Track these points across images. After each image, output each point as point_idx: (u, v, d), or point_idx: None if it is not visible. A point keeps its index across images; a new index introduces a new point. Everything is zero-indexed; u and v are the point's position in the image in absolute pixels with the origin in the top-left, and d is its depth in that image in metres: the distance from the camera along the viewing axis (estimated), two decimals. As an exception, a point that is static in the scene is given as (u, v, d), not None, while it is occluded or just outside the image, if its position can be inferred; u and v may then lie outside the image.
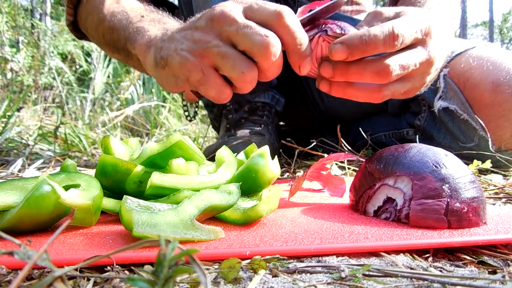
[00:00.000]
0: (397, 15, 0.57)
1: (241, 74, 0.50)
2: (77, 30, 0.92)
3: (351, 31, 0.53)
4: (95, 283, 0.29)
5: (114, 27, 0.74)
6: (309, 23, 0.56)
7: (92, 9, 0.80)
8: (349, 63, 0.52)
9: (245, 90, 0.54)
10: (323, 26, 0.54)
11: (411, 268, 0.32)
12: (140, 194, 0.46)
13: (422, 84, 0.59)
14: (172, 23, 0.68)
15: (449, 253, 0.37)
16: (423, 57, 0.56)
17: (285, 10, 0.50)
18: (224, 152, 0.53)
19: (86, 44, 3.27)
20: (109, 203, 0.44)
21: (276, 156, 0.55)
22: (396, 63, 0.52)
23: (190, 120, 1.10)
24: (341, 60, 0.52)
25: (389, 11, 0.58)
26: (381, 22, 0.56)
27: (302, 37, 0.51)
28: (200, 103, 1.28)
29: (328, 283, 0.29)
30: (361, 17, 1.16)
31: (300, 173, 0.90)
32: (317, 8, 0.54)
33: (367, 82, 0.54)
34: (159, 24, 0.67)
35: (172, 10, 1.19)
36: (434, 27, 0.56)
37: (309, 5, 0.56)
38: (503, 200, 0.63)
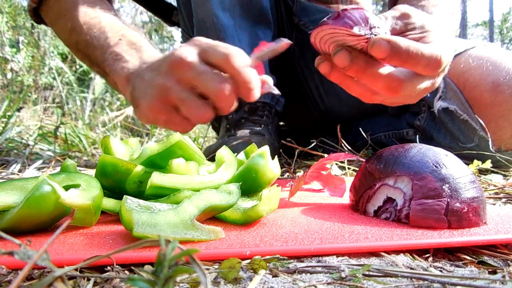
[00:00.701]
0: (423, 29, 0.58)
1: (200, 115, 0.57)
2: (37, 15, 0.89)
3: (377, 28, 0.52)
4: (95, 283, 0.29)
5: (91, 44, 0.74)
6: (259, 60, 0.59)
7: (64, 12, 0.79)
8: (368, 64, 0.53)
9: (204, 123, 0.61)
10: (347, 14, 0.52)
11: (411, 268, 0.32)
12: (140, 194, 0.46)
13: (415, 100, 0.61)
14: (147, 52, 0.71)
15: (449, 253, 0.37)
16: (429, 84, 0.57)
17: (233, 52, 0.56)
18: (224, 152, 0.53)
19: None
20: (109, 203, 0.44)
21: (276, 156, 0.55)
22: (408, 86, 0.54)
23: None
24: (360, 58, 0.52)
25: (417, 20, 0.58)
26: (408, 27, 0.57)
27: (249, 76, 0.55)
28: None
29: (328, 283, 0.29)
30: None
31: (300, 173, 0.90)
32: (264, 51, 0.56)
33: (374, 88, 0.55)
34: (136, 53, 0.70)
35: (171, 11, 1.19)
36: (447, 61, 0.57)
37: (261, 44, 0.58)
38: (503, 200, 0.63)
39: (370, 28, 0.52)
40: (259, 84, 0.57)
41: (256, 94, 0.57)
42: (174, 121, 0.60)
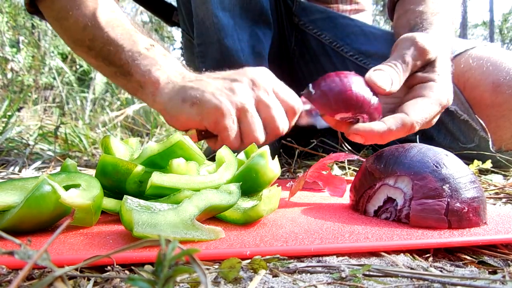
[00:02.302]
0: (432, 69, 0.67)
1: (256, 139, 0.64)
2: (33, 5, 0.84)
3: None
4: (95, 283, 0.29)
5: (114, 41, 0.73)
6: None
7: (79, 6, 0.76)
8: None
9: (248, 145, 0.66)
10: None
11: (412, 268, 0.32)
12: (140, 194, 0.46)
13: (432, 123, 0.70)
14: (178, 64, 0.74)
15: (450, 253, 0.37)
16: (438, 108, 0.66)
17: (299, 108, 0.67)
18: (224, 152, 0.53)
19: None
20: (109, 203, 0.44)
21: (276, 156, 0.55)
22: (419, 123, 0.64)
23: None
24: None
25: (433, 54, 0.67)
26: (426, 62, 0.67)
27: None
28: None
29: (329, 283, 0.29)
30: (359, 16, 1.15)
31: (300, 173, 0.90)
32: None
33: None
34: (172, 65, 0.72)
35: (171, 11, 1.19)
36: (451, 99, 0.68)
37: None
38: (504, 200, 0.63)
39: (356, 109, 0.62)
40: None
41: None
42: (234, 130, 0.64)
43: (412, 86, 0.68)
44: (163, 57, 0.72)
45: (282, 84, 0.67)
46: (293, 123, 0.67)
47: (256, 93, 0.64)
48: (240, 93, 0.63)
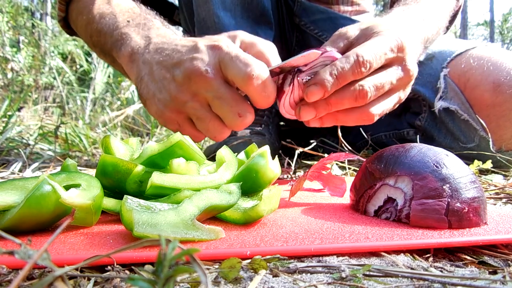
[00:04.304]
0: (363, 35, 0.59)
1: (214, 135, 0.58)
2: (68, 27, 0.91)
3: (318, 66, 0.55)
4: (95, 283, 0.29)
5: (101, 30, 0.74)
6: (282, 72, 0.58)
7: (83, 9, 0.80)
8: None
9: (218, 140, 0.62)
10: (293, 74, 0.56)
11: (412, 268, 0.32)
12: (140, 194, 0.46)
13: (406, 94, 0.63)
14: (155, 30, 0.69)
15: (450, 253, 0.37)
16: (399, 74, 0.58)
17: (253, 70, 0.54)
18: (224, 152, 0.53)
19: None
20: (109, 203, 0.44)
21: (276, 156, 0.55)
22: (370, 85, 0.55)
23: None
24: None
25: (354, 30, 0.61)
26: (345, 41, 0.59)
27: (268, 96, 0.55)
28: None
29: (329, 283, 0.29)
30: (360, 17, 1.15)
31: (300, 173, 0.90)
32: (289, 60, 0.56)
33: (348, 107, 0.57)
34: (143, 31, 0.69)
35: (173, 11, 1.19)
36: (408, 41, 0.58)
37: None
38: (504, 200, 0.63)
39: (289, 76, 0.56)
40: (274, 96, 0.57)
41: (268, 106, 0.57)
42: (185, 130, 0.61)
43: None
44: (135, 28, 0.69)
45: (234, 56, 0.55)
46: (261, 100, 0.56)
47: (196, 91, 0.57)
48: (178, 96, 0.57)
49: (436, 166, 0.43)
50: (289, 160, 0.95)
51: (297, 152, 0.93)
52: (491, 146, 0.84)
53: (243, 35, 0.61)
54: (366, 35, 0.59)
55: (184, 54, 0.57)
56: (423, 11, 0.74)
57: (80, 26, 0.82)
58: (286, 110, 0.59)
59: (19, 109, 2.28)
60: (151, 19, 0.72)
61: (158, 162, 0.49)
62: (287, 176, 0.83)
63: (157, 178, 0.43)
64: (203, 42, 0.58)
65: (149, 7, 0.78)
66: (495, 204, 0.60)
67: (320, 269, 0.31)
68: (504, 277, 0.31)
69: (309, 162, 1.04)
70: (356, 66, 0.53)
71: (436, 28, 0.77)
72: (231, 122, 0.56)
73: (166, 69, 0.59)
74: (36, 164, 0.94)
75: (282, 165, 0.91)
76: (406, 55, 0.58)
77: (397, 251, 0.36)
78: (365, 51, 0.54)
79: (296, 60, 0.54)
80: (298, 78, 0.55)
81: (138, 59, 0.64)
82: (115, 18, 0.73)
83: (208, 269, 0.31)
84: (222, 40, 0.57)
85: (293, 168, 0.89)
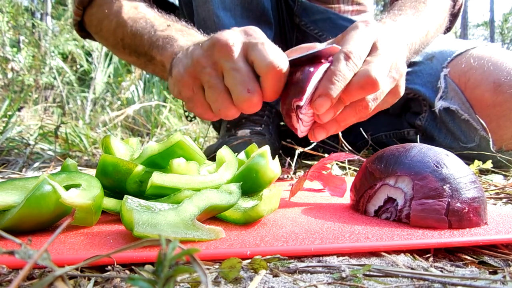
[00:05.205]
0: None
1: (219, 108, 0.57)
2: (82, 30, 0.95)
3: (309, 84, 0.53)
4: (95, 283, 0.29)
5: (137, 33, 0.77)
6: (302, 62, 0.56)
7: (108, 14, 0.83)
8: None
9: (224, 118, 0.59)
10: (295, 112, 0.55)
11: (412, 268, 0.32)
12: (140, 194, 0.46)
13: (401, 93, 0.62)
14: (197, 36, 0.72)
15: (450, 253, 0.37)
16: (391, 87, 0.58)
17: (278, 61, 0.53)
18: (224, 152, 0.53)
19: (86, 43, 3.27)
20: (109, 202, 0.44)
21: (276, 156, 0.55)
22: (370, 99, 0.55)
23: (191, 120, 1.10)
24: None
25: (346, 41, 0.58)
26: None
27: (277, 91, 0.55)
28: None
29: (329, 283, 0.29)
30: (361, 17, 1.15)
31: (300, 173, 0.90)
32: (309, 52, 0.55)
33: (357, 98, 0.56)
34: (188, 36, 0.72)
35: (173, 10, 1.19)
36: (400, 61, 0.58)
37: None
38: (504, 200, 0.63)
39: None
40: (280, 92, 0.56)
41: (272, 100, 0.57)
42: (196, 101, 0.60)
43: None
44: (179, 33, 0.72)
45: (262, 44, 0.55)
46: (271, 92, 0.55)
47: (217, 60, 0.56)
48: (199, 61, 0.57)
49: (436, 166, 0.43)
50: (289, 160, 0.95)
51: (297, 152, 0.93)
52: (491, 146, 0.84)
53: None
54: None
55: (217, 33, 0.59)
56: (414, 15, 0.75)
57: (107, 29, 0.86)
58: (302, 131, 0.59)
59: (19, 109, 2.28)
60: (190, 27, 0.77)
61: (158, 162, 0.49)
62: (287, 176, 0.83)
63: (157, 178, 0.43)
64: (237, 28, 0.60)
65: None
66: (495, 204, 0.60)
67: (320, 269, 0.31)
68: (504, 277, 0.31)
69: (309, 162, 1.04)
70: (347, 62, 0.53)
71: (426, 29, 0.78)
72: (239, 95, 0.54)
73: (198, 44, 0.61)
74: (36, 164, 0.94)
75: (282, 165, 0.91)
76: (401, 78, 0.59)
77: (397, 251, 0.36)
78: (349, 46, 0.54)
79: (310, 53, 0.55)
80: (302, 110, 0.55)
81: (179, 54, 0.66)
82: (151, 22, 0.77)
83: (208, 269, 0.31)
84: (255, 28, 0.59)
85: (293, 168, 0.89)
